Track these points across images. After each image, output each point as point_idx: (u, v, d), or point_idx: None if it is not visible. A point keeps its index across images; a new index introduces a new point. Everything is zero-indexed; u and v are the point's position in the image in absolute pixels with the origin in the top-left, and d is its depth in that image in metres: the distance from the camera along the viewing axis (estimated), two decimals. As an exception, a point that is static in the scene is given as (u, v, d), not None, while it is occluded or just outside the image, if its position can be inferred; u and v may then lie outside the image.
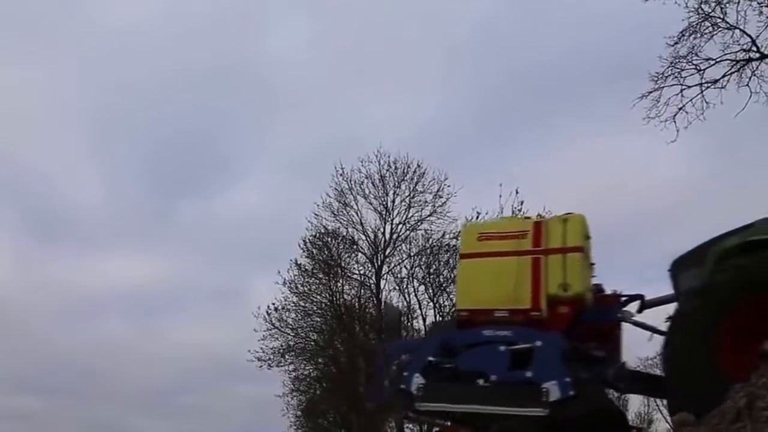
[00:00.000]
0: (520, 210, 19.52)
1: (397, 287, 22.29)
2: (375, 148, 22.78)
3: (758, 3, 13.97)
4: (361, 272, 23.75)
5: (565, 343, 5.62)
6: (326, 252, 23.57)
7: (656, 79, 14.81)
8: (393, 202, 22.81)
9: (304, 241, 23.21)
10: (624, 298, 6.32)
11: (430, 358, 5.67)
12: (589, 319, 6.27)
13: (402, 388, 5.62)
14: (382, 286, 22.73)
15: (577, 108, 34.09)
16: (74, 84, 40.10)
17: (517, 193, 19.50)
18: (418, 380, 5.58)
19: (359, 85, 36.06)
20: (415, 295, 21.82)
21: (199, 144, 38.73)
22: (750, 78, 14.43)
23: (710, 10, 14.47)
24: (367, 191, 22.75)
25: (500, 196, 19.23)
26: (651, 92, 14.82)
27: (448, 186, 22.42)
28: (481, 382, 5.50)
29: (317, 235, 23.43)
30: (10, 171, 36.23)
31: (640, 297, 6.38)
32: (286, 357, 23.12)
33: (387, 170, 22.65)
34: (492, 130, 33.59)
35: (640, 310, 6.36)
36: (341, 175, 22.84)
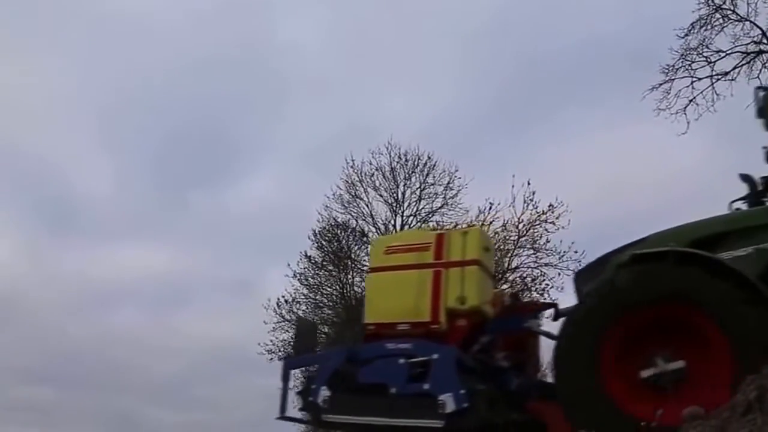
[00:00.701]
0: (532, 200, 19.66)
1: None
2: (386, 139, 22.90)
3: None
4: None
5: (462, 355, 5.86)
6: (336, 244, 23.88)
7: (667, 71, 15.11)
8: (403, 194, 22.96)
9: (314, 232, 23.59)
10: (537, 307, 6.52)
11: (337, 370, 5.98)
12: (499, 329, 6.50)
13: (310, 400, 5.92)
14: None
15: (591, 98, 33.54)
16: (83, 72, 40.46)
17: (529, 183, 19.60)
18: (324, 392, 5.86)
19: (374, 74, 36.01)
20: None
21: (210, 133, 39.09)
22: (760, 70, 14.62)
23: (721, 2, 14.61)
24: (377, 183, 22.94)
25: (512, 186, 19.36)
26: (662, 84, 15.14)
27: (459, 178, 22.42)
28: (382, 394, 5.81)
29: (327, 227, 23.77)
30: (20, 163, 36.78)
31: (554, 305, 6.56)
32: (297, 349, 23.60)
33: (397, 162, 22.71)
34: (505, 121, 33.37)
35: (555, 319, 6.52)
36: (352, 167, 22.96)
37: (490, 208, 20.49)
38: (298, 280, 23.22)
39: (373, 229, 23.58)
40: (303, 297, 23.40)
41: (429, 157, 22.52)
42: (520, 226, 19.93)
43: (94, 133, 42.10)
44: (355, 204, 23.30)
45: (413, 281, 6.06)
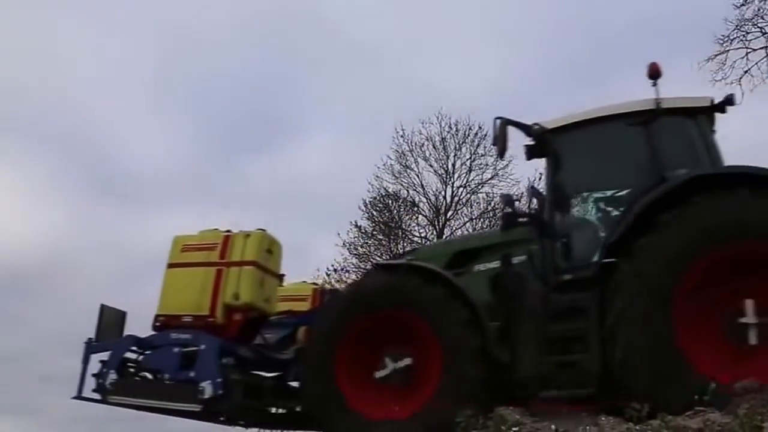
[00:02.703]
0: None
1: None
2: (438, 109, 22.34)
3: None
4: (422, 235, 24.15)
5: (229, 346, 6.47)
6: (387, 214, 24.28)
7: (722, 41, 14.59)
8: (454, 165, 22.58)
9: (364, 202, 24.12)
10: None
11: (126, 356, 6.80)
12: (298, 324, 7.06)
13: (100, 382, 6.70)
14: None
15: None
16: (133, 34, 41.62)
17: None
18: (112, 376, 6.67)
19: (429, 41, 34.64)
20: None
21: (263, 99, 39.31)
22: (815, 41, 13.77)
23: (775, -27, 13.97)
24: (427, 153, 22.68)
25: None
26: (717, 55, 14.61)
27: (511, 148, 22.10)
28: (158, 379, 6.58)
29: (378, 197, 24.17)
30: (70, 128, 38.73)
31: None
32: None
33: (448, 132, 22.37)
34: (558, 89, 31.37)
35: None
36: (402, 136, 22.75)
37: (540, 179, 19.98)
38: (348, 249, 23.99)
39: (424, 200, 23.67)
40: (352, 266, 24.18)
41: (480, 127, 21.74)
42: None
43: (145, 98, 43.36)
44: (405, 174, 23.38)
45: (199, 278, 6.72)
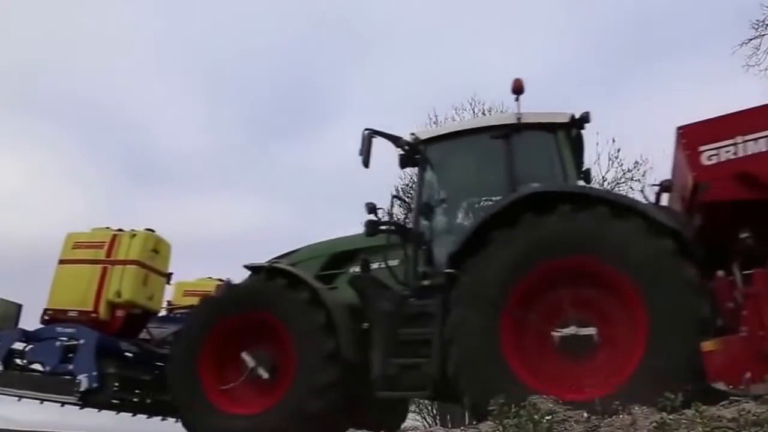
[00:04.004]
0: (617, 158, 18.70)
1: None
2: (470, 95, 21.71)
3: None
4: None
5: (108, 341, 6.64)
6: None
7: (757, 26, 14.41)
8: None
9: (396, 189, 23.65)
10: None
11: (12, 348, 6.96)
12: None
13: None
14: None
15: (683, 53, 30.84)
16: (171, 23, 41.41)
17: (614, 141, 18.60)
18: None
19: (465, 27, 34.36)
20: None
21: (297, 86, 39.23)
22: None
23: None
24: None
25: (596, 144, 18.41)
26: (751, 39, 14.43)
27: None
28: (39, 371, 6.74)
29: (410, 185, 23.80)
30: (108, 114, 38.68)
31: None
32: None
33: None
34: (594, 78, 31.30)
35: None
36: (435, 123, 21.18)
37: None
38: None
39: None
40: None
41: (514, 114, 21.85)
42: (605, 184, 18.88)
43: (181, 84, 43.26)
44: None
45: (86, 275, 6.91)
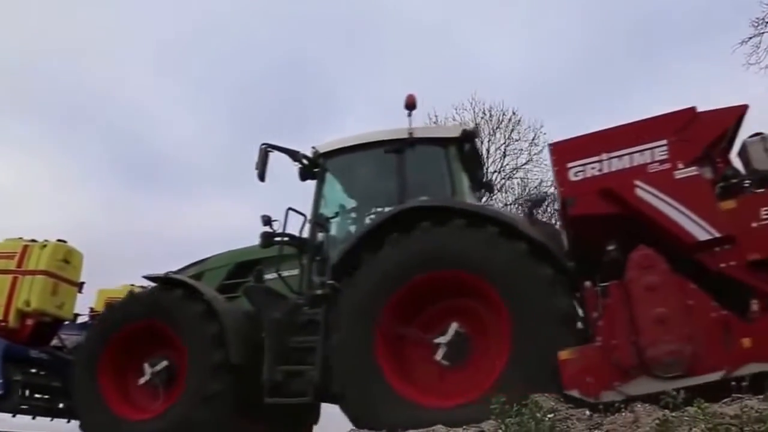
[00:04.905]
0: None
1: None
2: (470, 95, 22.49)
3: None
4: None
5: (14, 348, 6.76)
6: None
7: (756, 24, 14.52)
8: (488, 150, 21.86)
9: None
10: None
11: None
12: None
13: None
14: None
15: (688, 53, 31.12)
16: (166, 20, 40.78)
17: None
18: None
19: (472, 21, 34.16)
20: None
21: (296, 82, 38.82)
22: None
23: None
24: None
25: None
26: (751, 38, 14.55)
27: (545, 134, 21.05)
28: None
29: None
30: (100, 114, 38.19)
31: None
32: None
33: (482, 118, 21.96)
34: (600, 75, 31.39)
35: None
36: (434, 122, 21.04)
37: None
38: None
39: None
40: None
41: (513, 113, 21.73)
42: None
43: (173, 79, 42.75)
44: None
45: None
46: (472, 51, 31.73)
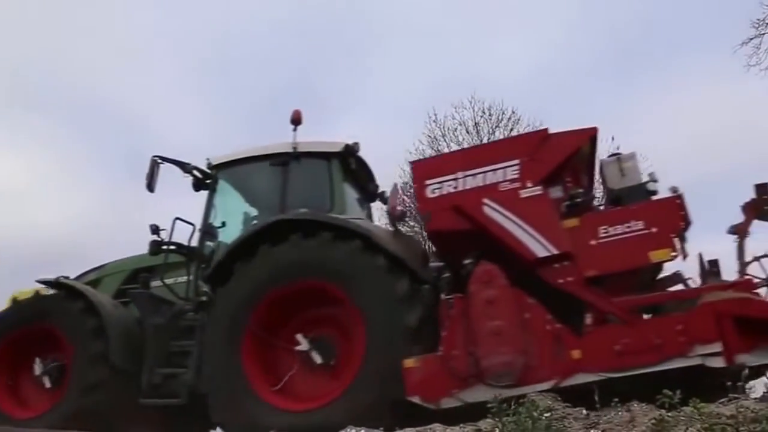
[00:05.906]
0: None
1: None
2: (470, 93, 22.26)
3: None
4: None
5: None
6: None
7: (757, 25, 14.50)
8: None
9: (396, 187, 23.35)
10: None
11: None
12: None
13: None
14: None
15: (688, 52, 31.41)
16: (173, 19, 40.39)
17: (612, 139, 18.88)
18: None
19: (472, 22, 34.03)
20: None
21: (294, 82, 38.48)
22: None
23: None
24: (460, 138, 21.86)
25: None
26: (752, 39, 14.53)
27: None
28: None
29: (410, 182, 23.74)
30: (109, 114, 37.80)
31: None
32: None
33: (481, 117, 21.77)
34: (604, 74, 31.43)
35: None
36: (434, 121, 21.85)
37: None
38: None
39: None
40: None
41: (513, 112, 21.57)
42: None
43: (180, 81, 42.38)
44: (437, 160, 23.00)
45: None
46: (472, 51, 31.77)
